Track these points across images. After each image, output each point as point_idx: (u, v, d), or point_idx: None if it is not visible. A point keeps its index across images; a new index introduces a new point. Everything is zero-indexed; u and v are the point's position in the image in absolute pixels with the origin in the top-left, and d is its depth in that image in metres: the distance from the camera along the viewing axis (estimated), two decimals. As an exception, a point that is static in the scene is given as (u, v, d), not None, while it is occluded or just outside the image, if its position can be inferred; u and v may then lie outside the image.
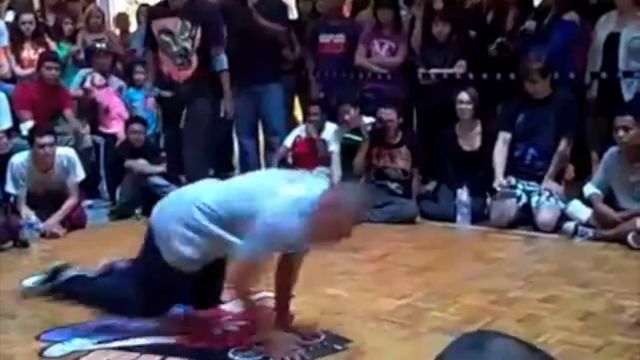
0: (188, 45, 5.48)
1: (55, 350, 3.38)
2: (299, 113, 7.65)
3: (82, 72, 7.18)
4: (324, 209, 2.92)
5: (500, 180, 5.45)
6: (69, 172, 5.63)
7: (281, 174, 3.64)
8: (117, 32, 8.93)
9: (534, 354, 0.98)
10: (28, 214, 5.44)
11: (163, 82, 5.72)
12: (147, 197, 5.87)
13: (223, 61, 5.63)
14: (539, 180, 5.47)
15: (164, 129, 6.33)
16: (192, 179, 5.23)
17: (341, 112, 6.20)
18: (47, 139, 5.48)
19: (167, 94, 5.68)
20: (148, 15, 5.95)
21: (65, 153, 5.70)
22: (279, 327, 3.36)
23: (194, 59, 5.51)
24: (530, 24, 6.17)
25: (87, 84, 7.00)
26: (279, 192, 2.98)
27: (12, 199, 5.58)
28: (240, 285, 3.15)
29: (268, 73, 6.52)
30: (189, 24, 5.45)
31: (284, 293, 3.46)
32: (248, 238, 2.98)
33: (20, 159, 5.61)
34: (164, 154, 6.21)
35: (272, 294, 3.97)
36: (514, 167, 5.59)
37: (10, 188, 5.55)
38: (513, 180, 5.52)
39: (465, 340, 1.02)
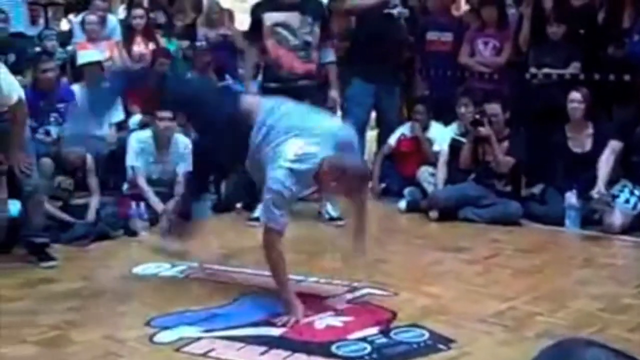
0: (310, 38, 5.51)
1: (164, 336, 3.47)
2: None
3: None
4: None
5: (600, 188, 5.20)
6: (182, 159, 5.78)
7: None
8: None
9: None
10: (148, 192, 5.62)
11: (273, 74, 5.58)
12: (251, 192, 5.95)
13: (330, 53, 5.73)
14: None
15: None
16: None
17: (459, 104, 6.12)
18: (167, 113, 5.65)
19: (293, 84, 5.44)
20: (257, 7, 5.77)
21: (182, 139, 5.89)
22: (356, 246, 4.03)
23: (315, 54, 5.55)
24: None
25: None
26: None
27: (124, 188, 5.76)
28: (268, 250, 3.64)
29: (392, 73, 6.59)
30: (309, 19, 5.49)
31: (356, 217, 4.11)
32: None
33: (141, 135, 5.87)
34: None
35: (376, 290, 4.00)
36: (630, 172, 5.39)
37: (131, 161, 5.76)
38: (618, 188, 5.34)
39: (556, 348, 0.96)
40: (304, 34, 5.49)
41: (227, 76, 7.35)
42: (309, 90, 5.46)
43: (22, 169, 4.50)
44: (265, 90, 5.48)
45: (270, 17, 5.49)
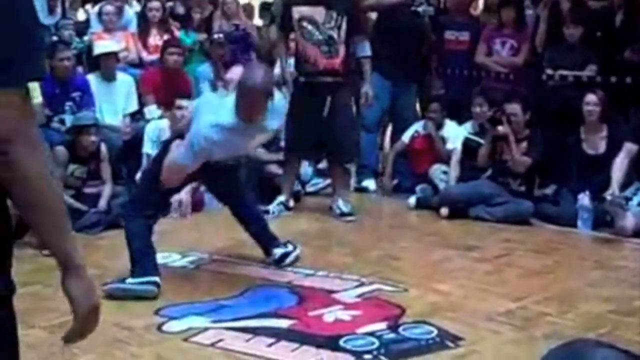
0: (334, 34, 5.54)
1: (172, 326, 3.49)
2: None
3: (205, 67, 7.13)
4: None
5: (614, 190, 5.17)
6: None
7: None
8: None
9: None
10: None
11: (300, 67, 5.65)
12: (262, 185, 5.96)
13: (365, 47, 5.74)
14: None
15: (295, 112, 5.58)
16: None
17: (474, 104, 6.09)
18: (185, 102, 5.68)
19: (316, 79, 5.56)
20: (287, 1, 5.87)
21: None
22: None
23: (341, 49, 5.56)
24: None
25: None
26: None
27: (138, 177, 5.76)
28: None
29: (410, 71, 6.64)
30: (334, 14, 5.53)
31: None
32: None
33: (156, 124, 5.99)
34: (282, 143, 6.24)
35: (386, 286, 4.00)
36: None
37: (147, 149, 5.87)
38: (632, 190, 5.32)
39: (566, 348, 0.96)
40: (328, 28, 5.53)
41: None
42: (330, 87, 5.51)
43: None
44: (296, 84, 5.60)
45: (297, 11, 5.57)
